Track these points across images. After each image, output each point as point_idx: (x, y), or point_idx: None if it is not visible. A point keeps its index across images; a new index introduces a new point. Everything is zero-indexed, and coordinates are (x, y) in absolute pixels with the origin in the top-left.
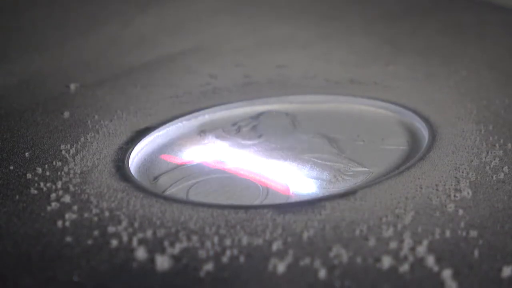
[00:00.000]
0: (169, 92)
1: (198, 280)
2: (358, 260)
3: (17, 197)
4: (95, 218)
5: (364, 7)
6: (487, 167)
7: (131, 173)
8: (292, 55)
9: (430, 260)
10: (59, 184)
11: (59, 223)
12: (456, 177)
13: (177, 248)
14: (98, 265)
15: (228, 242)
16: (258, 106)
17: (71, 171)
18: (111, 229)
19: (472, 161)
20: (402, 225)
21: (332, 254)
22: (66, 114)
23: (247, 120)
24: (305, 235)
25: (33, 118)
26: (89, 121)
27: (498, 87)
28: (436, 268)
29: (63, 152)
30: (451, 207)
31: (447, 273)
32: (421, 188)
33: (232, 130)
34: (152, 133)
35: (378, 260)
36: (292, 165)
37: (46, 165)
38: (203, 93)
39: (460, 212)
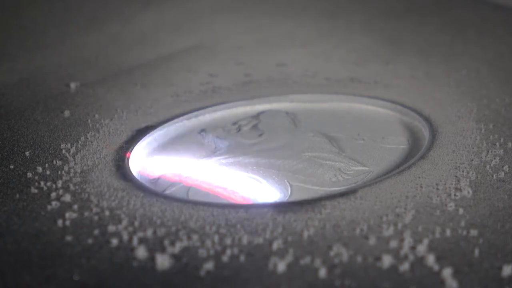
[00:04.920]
0: (170, 91)
1: (198, 279)
2: (359, 259)
3: (17, 196)
4: (96, 217)
5: (364, 5)
6: (488, 166)
7: (131, 172)
8: (292, 54)
9: (431, 259)
10: (60, 183)
11: (60, 222)
12: (456, 176)
13: (177, 247)
14: (98, 264)
15: (228, 241)
16: (258, 105)
17: (72, 170)
18: (111, 228)
19: (472, 160)
20: (403, 224)
21: (332, 253)
22: (67, 113)
23: (247, 119)
24: (306, 234)
25: (34, 117)
26: (89, 120)
27: (499, 86)
28: (436, 267)
29: (64, 151)
30: (451, 206)
31: (447, 272)
32: (421, 187)
33: (233, 129)
34: (153, 132)
35: (378, 259)
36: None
37: (47, 164)
38: (203, 92)
39: (461, 211)
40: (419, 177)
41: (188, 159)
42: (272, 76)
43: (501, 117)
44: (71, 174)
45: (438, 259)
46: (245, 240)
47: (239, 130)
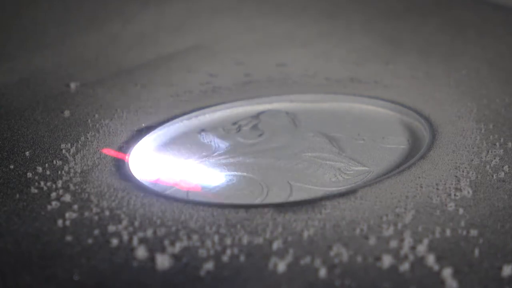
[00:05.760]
0: (170, 91)
1: (198, 279)
2: (359, 259)
3: (17, 196)
4: (96, 217)
5: (364, 5)
6: (488, 166)
7: (131, 172)
8: (292, 54)
9: (431, 259)
10: (60, 183)
11: (60, 222)
12: (456, 176)
13: (177, 247)
14: (98, 264)
15: (228, 241)
16: (258, 105)
17: (72, 170)
18: (111, 228)
19: (472, 160)
20: (403, 224)
21: (332, 253)
22: (67, 113)
23: (247, 119)
24: (306, 234)
25: (34, 117)
26: (89, 120)
27: (499, 86)
28: (436, 267)
29: (64, 151)
30: (451, 206)
31: (447, 272)
32: (421, 187)
33: (233, 129)
34: (153, 132)
35: (378, 259)
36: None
37: (47, 164)
38: (203, 92)
39: (461, 211)
40: (419, 177)
41: (187, 161)
42: (272, 76)
43: (501, 117)
44: (71, 174)
45: (438, 259)
46: (245, 240)
47: (239, 130)
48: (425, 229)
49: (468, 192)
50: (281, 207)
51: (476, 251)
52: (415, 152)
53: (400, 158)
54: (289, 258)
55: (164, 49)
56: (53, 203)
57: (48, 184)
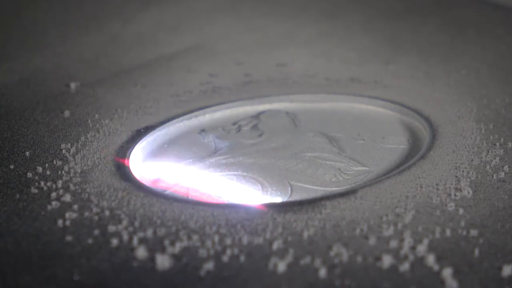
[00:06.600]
0: (170, 91)
1: (198, 279)
2: (359, 259)
3: (17, 196)
4: (96, 217)
5: (364, 5)
6: (488, 166)
7: (131, 172)
8: (292, 54)
9: (431, 259)
10: (60, 183)
11: (60, 222)
12: (456, 176)
13: (177, 247)
14: (98, 264)
15: (228, 241)
16: (259, 105)
17: (72, 170)
18: (111, 228)
19: (472, 160)
20: (403, 224)
21: (332, 253)
22: (67, 113)
23: (247, 119)
24: (306, 234)
25: (34, 117)
26: (89, 120)
27: (499, 86)
28: (436, 267)
29: (64, 151)
30: (451, 206)
31: (447, 272)
32: (421, 187)
33: (233, 129)
34: (153, 132)
35: (378, 259)
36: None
37: (47, 164)
38: (203, 92)
39: (461, 211)
40: (419, 177)
41: (186, 162)
42: (272, 76)
43: (501, 117)
44: (71, 174)
45: (438, 259)
46: (245, 240)
47: (239, 130)
48: (425, 229)
49: (468, 192)
50: (281, 207)
51: (476, 251)
52: (415, 152)
53: (400, 158)
54: (289, 258)
55: (164, 49)
56: (53, 203)
57: (48, 184)
